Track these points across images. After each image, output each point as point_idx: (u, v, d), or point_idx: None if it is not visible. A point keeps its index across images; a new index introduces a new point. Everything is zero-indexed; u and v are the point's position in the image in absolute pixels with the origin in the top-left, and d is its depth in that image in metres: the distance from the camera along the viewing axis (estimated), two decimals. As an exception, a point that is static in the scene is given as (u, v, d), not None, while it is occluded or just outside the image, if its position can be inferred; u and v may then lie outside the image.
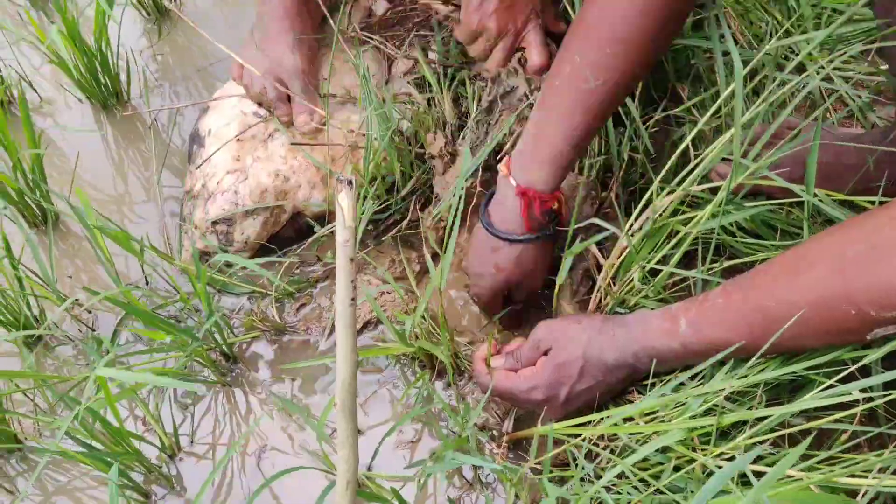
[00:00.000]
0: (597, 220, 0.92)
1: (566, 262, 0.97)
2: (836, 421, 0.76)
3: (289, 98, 1.16)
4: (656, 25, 0.87)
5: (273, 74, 1.15)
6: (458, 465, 0.92)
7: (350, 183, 0.75)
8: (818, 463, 0.76)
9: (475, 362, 0.99)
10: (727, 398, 0.83)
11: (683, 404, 0.84)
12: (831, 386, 0.75)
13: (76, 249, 1.24)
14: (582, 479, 0.86)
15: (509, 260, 0.99)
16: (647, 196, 0.95)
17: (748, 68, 0.89)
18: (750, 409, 0.83)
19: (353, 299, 0.74)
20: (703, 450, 0.81)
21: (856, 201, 0.88)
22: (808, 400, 0.75)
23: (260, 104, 1.19)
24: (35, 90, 1.41)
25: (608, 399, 0.93)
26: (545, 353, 0.92)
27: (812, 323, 0.74)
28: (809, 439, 0.68)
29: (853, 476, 0.72)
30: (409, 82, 1.18)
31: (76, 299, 1.06)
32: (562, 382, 0.90)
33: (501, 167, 0.98)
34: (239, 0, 1.51)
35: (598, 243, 1.03)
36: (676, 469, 0.83)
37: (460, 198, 0.97)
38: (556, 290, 1.01)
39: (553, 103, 0.92)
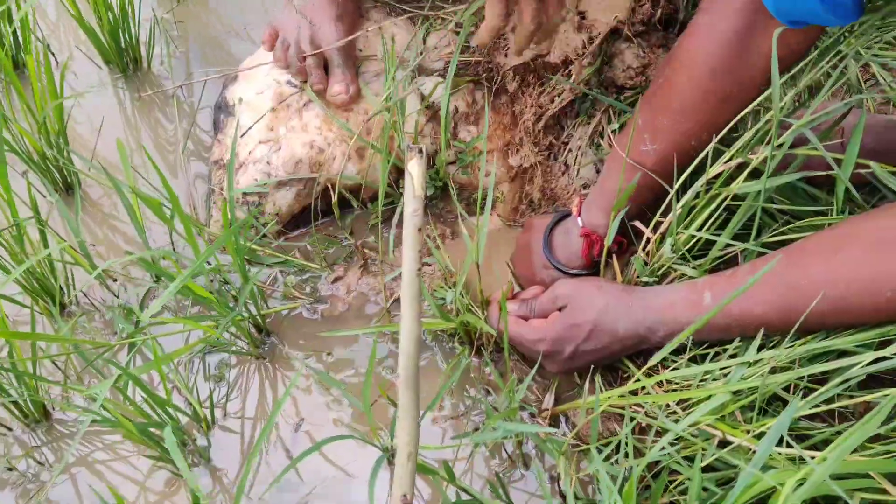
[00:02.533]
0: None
1: (614, 226, 0.97)
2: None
3: (325, 68, 1.14)
4: (710, 108, 0.90)
5: (313, 41, 1.12)
6: (508, 435, 0.92)
7: (421, 151, 0.74)
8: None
9: (491, 304, 1.03)
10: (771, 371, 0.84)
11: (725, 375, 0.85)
12: (883, 358, 0.75)
13: (97, 218, 1.22)
14: (626, 454, 0.86)
15: (555, 280, 1.02)
16: (693, 164, 0.95)
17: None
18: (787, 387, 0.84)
19: (419, 269, 0.73)
20: (745, 427, 0.82)
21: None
22: (858, 369, 0.76)
23: (288, 71, 1.17)
24: (52, 53, 1.37)
25: (607, 363, 0.98)
26: (559, 309, 0.95)
27: (844, 302, 0.77)
28: (876, 411, 0.68)
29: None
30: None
31: (107, 266, 1.03)
32: (569, 340, 0.94)
33: (574, 206, 1.02)
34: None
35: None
36: (722, 445, 0.83)
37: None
38: (603, 253, 1.01)
39: (616, 158, 0.96)
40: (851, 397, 0.81)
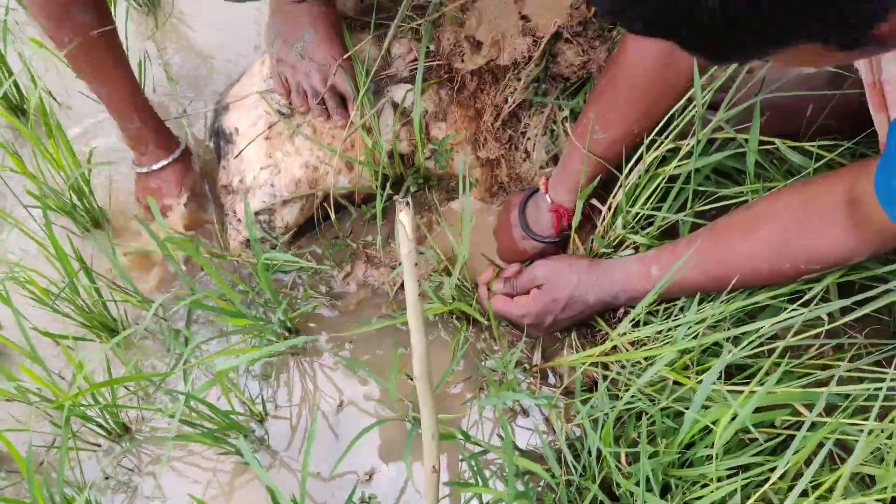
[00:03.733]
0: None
1: (579, 206, 1.15)
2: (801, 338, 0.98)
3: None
4: (650, 103, 1.07)
5: (326, 82, 1.25)
6: (508, 402, 1.14)
7: (408, 203, 0.92)
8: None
9: (479, 286, 1.23)
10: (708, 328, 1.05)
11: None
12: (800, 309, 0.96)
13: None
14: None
15: (534, 249, 1.23)
16: (639, 152, 1.13)
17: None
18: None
19: (420, 294, 0.92)
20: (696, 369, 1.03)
21: (805, 147, 1.07)
22: (783, 320, 0.97)
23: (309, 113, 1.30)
24: (54, 98, 1.51)
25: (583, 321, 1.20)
26: (538, 287, 1.16)
27: (759, 273, 0.99)
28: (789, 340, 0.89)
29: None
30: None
31: (161, 302, 1.21)
32: (549, 312, 1.15)
33: (541, 184, 1.20)
34: None
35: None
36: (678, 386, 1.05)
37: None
38: (572, 231, 1.20)
39: (575, 145, 1.13)
40: (776, 337, 1.02)
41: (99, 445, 1.23)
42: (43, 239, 1.19)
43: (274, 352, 1.25)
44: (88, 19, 1.15)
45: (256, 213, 1.30)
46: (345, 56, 1.24)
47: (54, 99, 1.52)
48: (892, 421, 0.86)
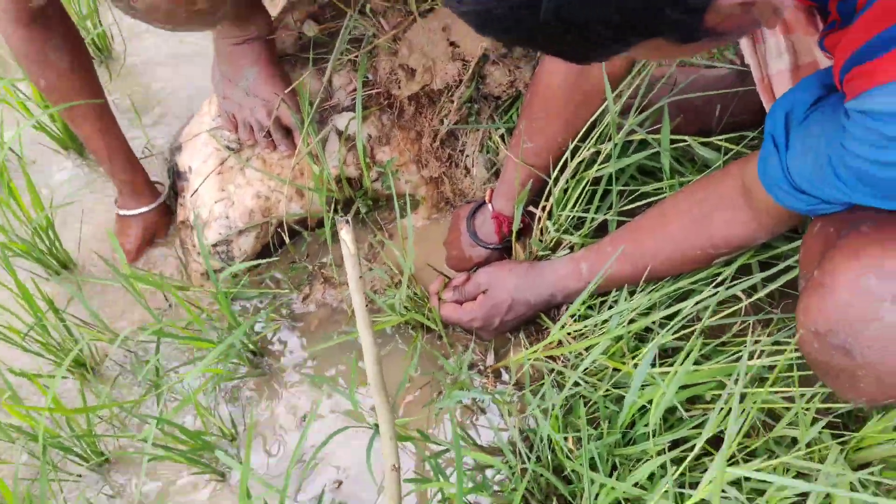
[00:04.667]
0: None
1: (518, 210, 1.24)
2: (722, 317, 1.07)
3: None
4: (570, 112, 1.17)
5: (267, 110, 1.32)
6: (461, 399, 1.21)
7: (347, 221, 0.99)
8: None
9: (431, 296, 1.32)
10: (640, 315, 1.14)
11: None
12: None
13: (93, 289, 1.45)
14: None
15: (480, 257, 1.32)
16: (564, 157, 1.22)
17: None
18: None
19: (367, 304, 0.99)
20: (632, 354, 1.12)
21: (714, 142, 1.16)
22: (703, 299, 1.06)
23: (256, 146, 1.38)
24: (16, 153, 1.58)
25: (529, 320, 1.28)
26: (484, 292, 1.25)
27: (674, 261, 1.09)
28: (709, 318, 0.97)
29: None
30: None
31: (126, 335, 1.27)
32: (494, 315, 1.24)
33: (487, 195, 1.29)
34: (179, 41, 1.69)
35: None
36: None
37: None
38: (513, 237, 1.28)
39: (510, 157, 1.23)
40: (699, 318, 1.10)
41: (80, 476, 1.29)
42: (11, 283, 1.25)
43: (239, 373, 1.32)
44: (65, 64, 1.22)
45: (214, 245, 1.37)
46: (287, 90, 1.32)
47: (13, 151, 1.59)
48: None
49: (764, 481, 0.99)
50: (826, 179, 0.78)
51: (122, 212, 1.43)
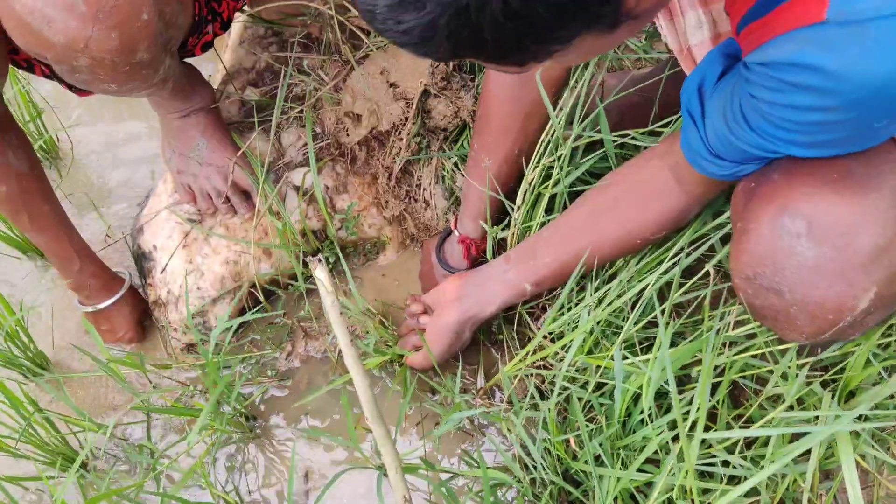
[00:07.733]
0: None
1: (488, 226, 1.27)
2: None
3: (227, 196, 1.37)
4: (520, 123, 1.20)
5: (223, 176, 1.34)
6: (461, 421, 1.22)
7: (320, 260, 1.01)
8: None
9: (399, 339, 1.33)
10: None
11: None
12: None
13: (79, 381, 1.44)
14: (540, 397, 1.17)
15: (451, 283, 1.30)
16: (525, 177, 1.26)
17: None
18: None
19: (352, 339, 1.00)
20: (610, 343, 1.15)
21: (655, 129, 1.21)
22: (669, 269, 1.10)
23: (195, 206, 1.39)
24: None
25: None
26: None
27: (614, 251, 1.13)
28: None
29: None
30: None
31: (114, 424, 1.26)
32: (446, 333, 1.23)
33: (451, 221, 1.32)
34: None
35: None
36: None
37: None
38: (488, 252, 1.31)
39: (470, 177, 1.26)
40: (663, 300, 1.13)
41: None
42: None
43: (234, 439, 1.31)
44: (25, 168, 1.22)
45: (193, 317, 1.37)
46: (239, 153, 1.35)
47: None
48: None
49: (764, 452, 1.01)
50: (741, 135, 0.81)
51: (91, 308, 1.41)
